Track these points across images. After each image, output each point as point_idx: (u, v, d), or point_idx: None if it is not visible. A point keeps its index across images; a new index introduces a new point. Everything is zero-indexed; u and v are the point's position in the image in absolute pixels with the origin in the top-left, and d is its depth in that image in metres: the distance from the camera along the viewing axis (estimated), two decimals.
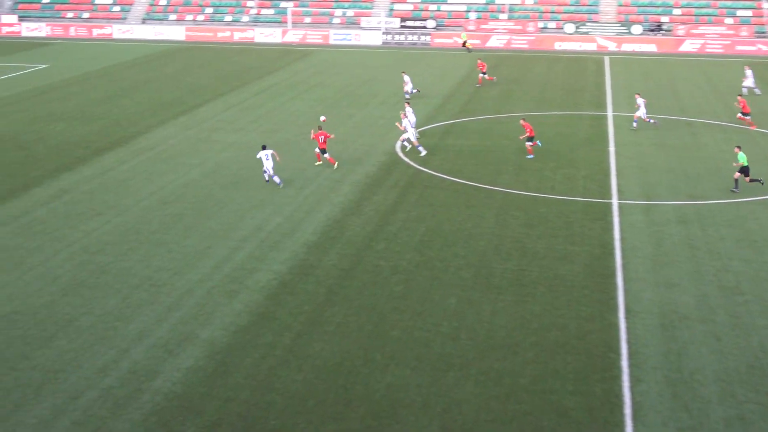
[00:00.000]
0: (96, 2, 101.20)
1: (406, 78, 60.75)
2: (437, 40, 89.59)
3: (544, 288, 28.22)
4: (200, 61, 79.43)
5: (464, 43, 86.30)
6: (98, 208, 36.34)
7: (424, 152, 44.20)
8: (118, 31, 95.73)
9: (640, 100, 51.52)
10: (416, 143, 44.56)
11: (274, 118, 54.26)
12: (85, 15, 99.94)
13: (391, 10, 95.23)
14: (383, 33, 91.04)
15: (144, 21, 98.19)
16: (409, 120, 45.40)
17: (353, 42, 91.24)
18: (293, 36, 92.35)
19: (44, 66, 75.86)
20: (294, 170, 41.66)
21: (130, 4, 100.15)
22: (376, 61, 79.13)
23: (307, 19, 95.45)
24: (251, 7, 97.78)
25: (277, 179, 38.84)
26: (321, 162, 42.49)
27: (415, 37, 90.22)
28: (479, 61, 68.49)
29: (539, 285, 28.45)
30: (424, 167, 42.25)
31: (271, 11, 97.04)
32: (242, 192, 38.42)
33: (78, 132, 50.29)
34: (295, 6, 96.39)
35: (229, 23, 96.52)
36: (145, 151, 45.57)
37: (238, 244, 32.16)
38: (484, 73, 65.79)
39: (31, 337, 24.78)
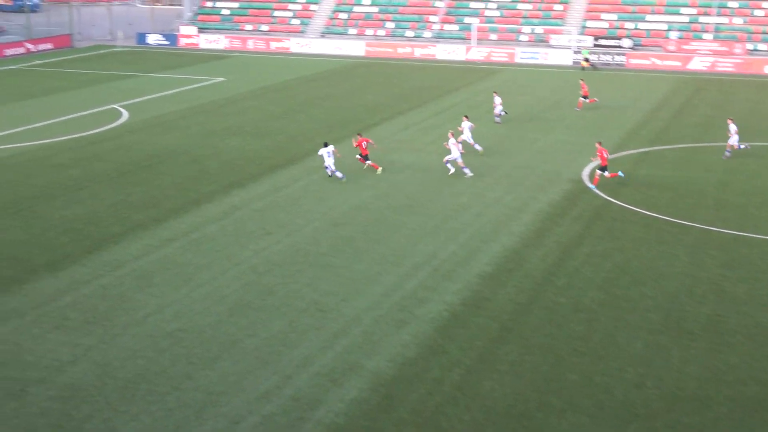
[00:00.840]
0: (275, 15, 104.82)
1: (497, 99, 59.68)
2: (633, 61, 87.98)
3: (742, 337, 27.15)
4: (379, 77, 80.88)
5: (585, 59, 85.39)
6: (268, 227, 37.45)
7: (449, 170, 45.35)
8: (296, 45, 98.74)
9: (732, 127, 49.11)
10: (461, 164, 45.10)
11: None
12: (264, 28, 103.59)
13: (584, 27, 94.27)
14: (574, 52, 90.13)
15: (323, 35, 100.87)
16: (456, 139, 45.61)
17: (541, 61, 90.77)
18: (477, 53, 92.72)
19: (222, 79, 79.01)
20: (472, 195, 41.76)
21: (310, 18, 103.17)
22: (565, 81, 78.37)
23: (493, 36, 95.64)
24: (434, 23, 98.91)
25: (339, 174, 43.64)
26: (366, 166, 45.56)
27: (609, 57, 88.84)
28: (581, 81, 66.34)
29: (737, 333, 27.39)
30: (614, 198, 41.48)
31: (455, 27, 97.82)
32: (416, 216, 38.76)
33: (252, 147, 52.07)
34: (481, 22, 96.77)
35: (410, 39, 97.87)
36: (319, 170, 46.64)
37: (409, 271, 32.43)
38: (585, 97, 63.82)
39: (195, 357, 25.72)
